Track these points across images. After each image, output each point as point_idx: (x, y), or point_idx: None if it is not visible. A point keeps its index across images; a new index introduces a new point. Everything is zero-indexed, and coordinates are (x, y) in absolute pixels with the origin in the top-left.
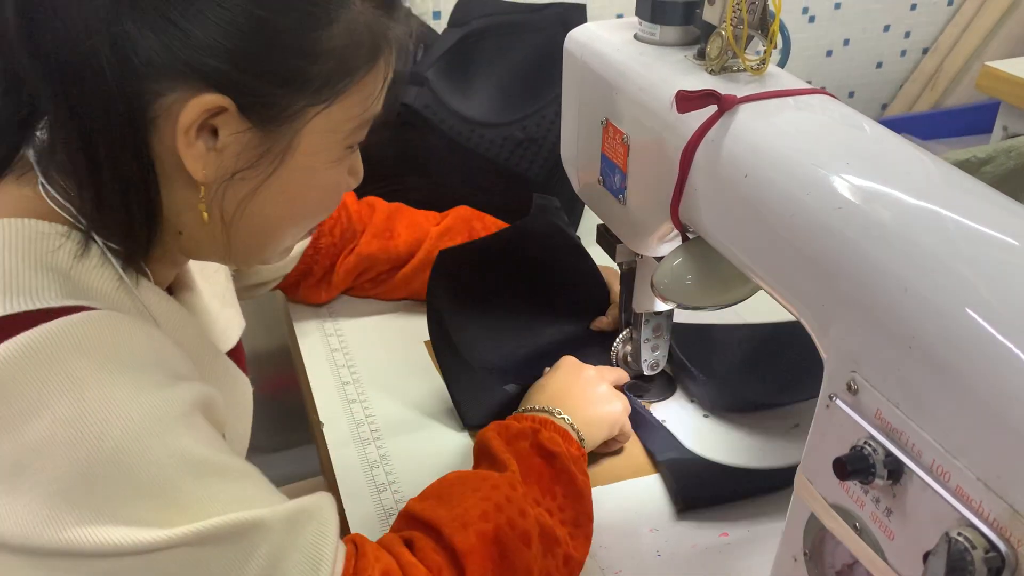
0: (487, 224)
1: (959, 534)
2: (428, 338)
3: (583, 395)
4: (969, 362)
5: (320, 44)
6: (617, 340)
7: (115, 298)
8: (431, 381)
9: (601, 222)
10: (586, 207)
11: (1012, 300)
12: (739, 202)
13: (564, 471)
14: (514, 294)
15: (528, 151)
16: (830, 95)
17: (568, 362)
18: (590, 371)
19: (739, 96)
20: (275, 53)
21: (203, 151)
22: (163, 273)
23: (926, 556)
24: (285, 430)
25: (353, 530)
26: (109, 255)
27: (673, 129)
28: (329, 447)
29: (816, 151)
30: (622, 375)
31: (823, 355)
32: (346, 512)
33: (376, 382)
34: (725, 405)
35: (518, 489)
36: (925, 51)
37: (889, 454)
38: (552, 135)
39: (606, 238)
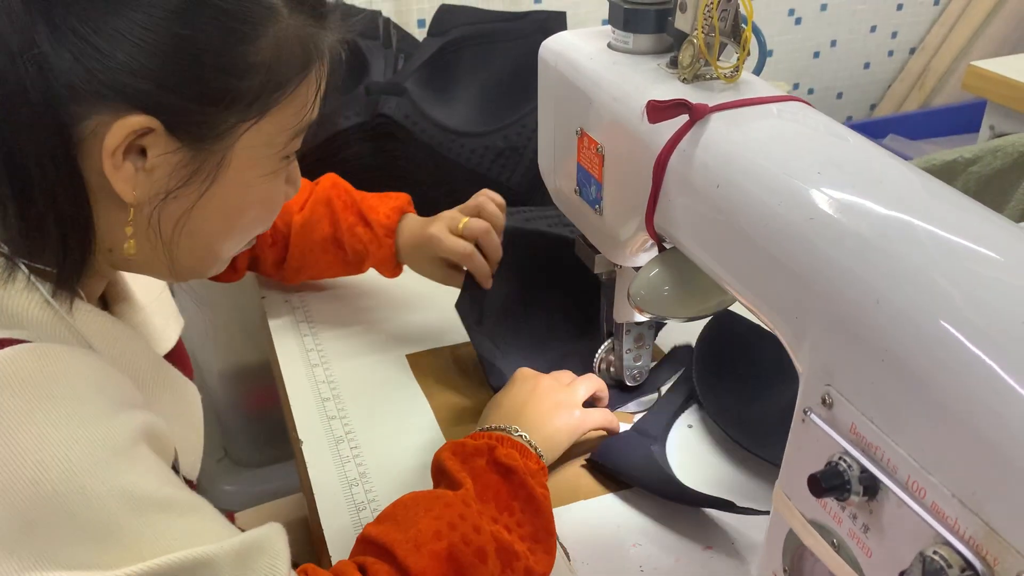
0: (346, 202)
1: (935, 552)
2: (409, 351)
3: (539, 408)
4: (943, 375)
5: (247, 59)
6: (599, 351)
7: (45, 324)
8: (412, 396)
9: (580, 232)
10: None
11: (986, 311)
12: (712, 212)
13: (522, 486)
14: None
15: (509, 160)
16: (804, 102)
17: (522, 375)
18: (545, 381)
19: (711, 105)
20: (200, 71)
21: (132, 172)
22: (93, 287)
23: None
24: (271, 444)
25: (330, 548)
26: (35, 279)
27: (646, 139)
28: (308, 465)
29: (788, 160)
30: (592, 385)
31: (798, 367)
32: (323, 530)
33: (356, 398)
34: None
35: (472, 506)
36: (912, 51)
37: (864, 470)
38: (533, 144)
39: (584, 248)
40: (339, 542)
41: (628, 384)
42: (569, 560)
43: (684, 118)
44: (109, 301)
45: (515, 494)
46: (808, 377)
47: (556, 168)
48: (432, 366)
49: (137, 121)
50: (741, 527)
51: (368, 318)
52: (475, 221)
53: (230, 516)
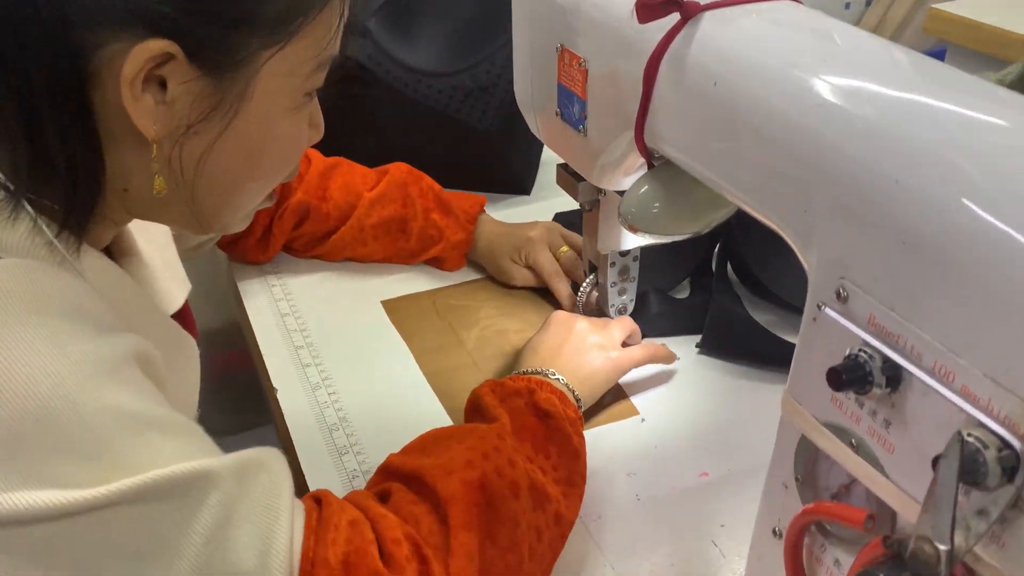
0: (423, 188)
1: (969, 435)
2: (384, 298)
3: (576, 352)
4: (969, 253)
5: None
6: (583, 286)
7: (32, 251)
8: (389, 340)
9: (561, 162)
10: (543, 155)
11: (1010, 187)
12: (709, 113)
13: (559, 431)
14: None
15: (479, 101)
16: (796, 1)
17: (557, 319)
18: (580, 324)
19: (703, 3)
20: None
21: (152, 105)
22: (101, 234)
23: (935, 461)
24: (238, 412)
25: None
26: (41, 221)
27: (634, 45)
28: (285, 414)
29: (788, 53)
30: (626, 326)
31: (806, 267)
32: (306, 479)
33: (331, 345)
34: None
35: (507, 440)
36: (868, 3)
37: (887, 360)
38: (504, 82)
39: (567, 178)
40: (322, 487)
41: (613, 318)
42: None
43: (674, 19)
44: (115, 254)
45: (551, 438)
46: (818, 274)
47: (534, 93)
48: (410, 311)
49: (156, 46)
50: (736, 451)
51: (339, 267)
52: (573, 255)
53: None
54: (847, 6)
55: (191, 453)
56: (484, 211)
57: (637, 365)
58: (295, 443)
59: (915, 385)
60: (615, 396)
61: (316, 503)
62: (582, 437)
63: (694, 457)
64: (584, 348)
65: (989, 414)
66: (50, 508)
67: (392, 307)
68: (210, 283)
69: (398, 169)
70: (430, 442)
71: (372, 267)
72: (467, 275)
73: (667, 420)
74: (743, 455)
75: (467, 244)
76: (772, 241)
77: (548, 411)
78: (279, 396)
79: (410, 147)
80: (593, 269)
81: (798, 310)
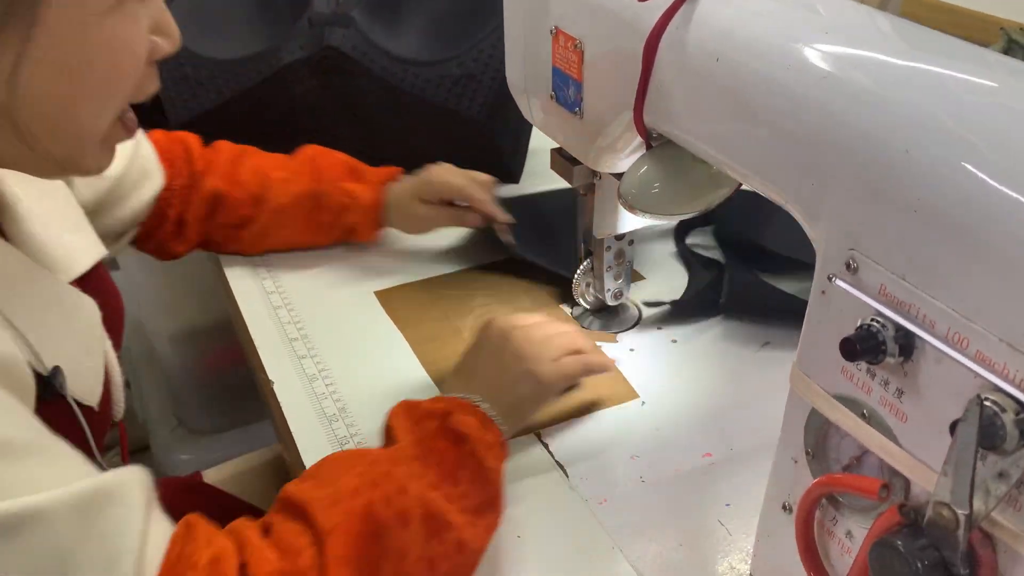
0: (333, 161)
1: (986, 398)
2: (377, 288)
3: (506, 374)
4: (981, 220)
5: None
6: (577, 273)
7: None
8: (384, 330)
9: (555, 146)
10: (532, 140)
11: (1015, 152)
12: (712, 89)
13: (472, 455)
14: None
15: (467, 89)
16: None
17: (488, 334)
18: (515, 341)
19: None
20: None
21: None
22: None
23: (953, 426)
24: (227, 411)
25: None
26: None
27: (631, 25)
28: (283, 406)
29: (790, 27)
30: (577, 341)
31: (814, 241)
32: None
33: (326, 337)
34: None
35: (401, 466)
36: None
37: (900, 328)
38: (491, 70)
39: (562, 162)
40: None
41: (609, 304)
42: (568, 477)
43: None
44: None
45: (463, 463)
46: (827, 246)
47: (527, 77)
48: (404, 300)
49: None
50: (736, 432)
51: (328, 258)
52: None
53: (196, 476)
54: None
55: (34, 480)
56: (400, 180)
57: (570, 382)
58: (294, 436)
59: (928, 353)
60: (614, 380)
61: (186, 529)
62: (500, 463)
63: (696, 439)
64: (516, 373)
65: (1005, 378)
66: None
67: (386, 297)
68: (195, 279)
69: (306, 148)
70: (325, 468)
71: (363, 258)
72: (459, 264)
73: (667, 403)
74: (744, 435)
75: (379, 206)
76: (760, 208)
77: (463, 434)
78: (276, 389)
79: (397, 137)
80: (588, 254)
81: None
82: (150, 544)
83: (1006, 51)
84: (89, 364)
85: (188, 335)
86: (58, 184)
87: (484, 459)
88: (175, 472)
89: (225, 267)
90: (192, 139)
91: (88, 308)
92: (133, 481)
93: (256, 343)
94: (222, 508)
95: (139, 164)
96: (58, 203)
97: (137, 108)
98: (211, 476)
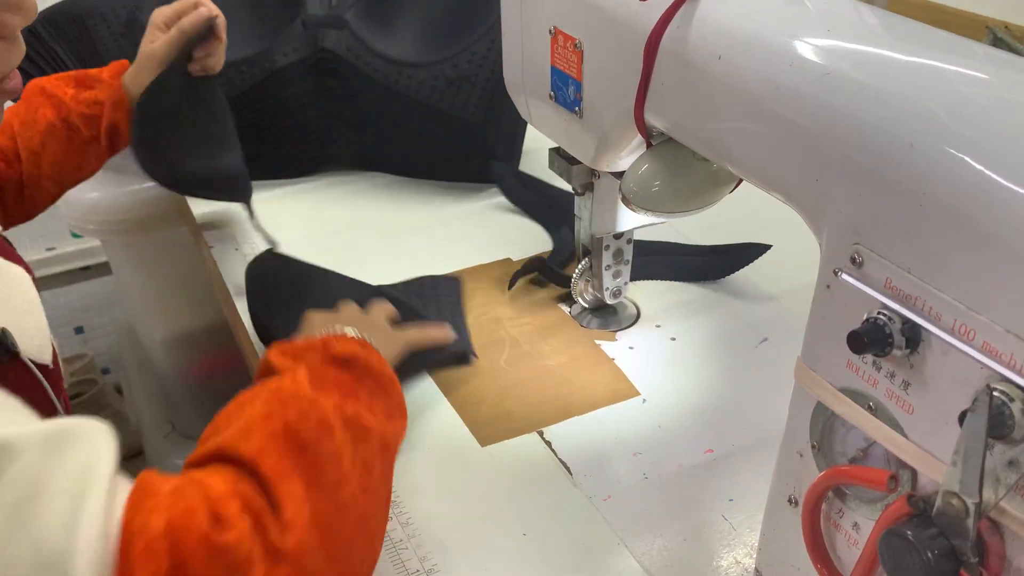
0: (57, 82)
1: (995, 388)
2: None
3: (362, 318)
4: (985, 212)
5: None
6: (575, 273)
7: None
8: None
9: (553, 146)
10: (526, 140)
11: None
12: (714, 87)
13: (367, 371)
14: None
15: (461, 90)
16: None
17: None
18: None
19: None
20: None
21: None
22: None
23: (962, 417)
24: None
25: None
26: None
27: (632, 24)
28: None
29: (792, 24)
30: (387, 309)
31: (818, 236)
32: None
33: None
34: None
35: (305, 386)
36: None
37: (906, 321)
38: (485, 71)
39: (560, 161)
40: None
41: (608, 302)
42: (571, 475)
43: None
44: None
45: (360, 381)
46: (832, 241)
47: (526, 77)
48: None
49: None
50: (737, 427)
51: (327, 259)
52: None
53: None
54: None
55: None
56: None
57: (418, 346)
58: None
59: (935, 345)
60: (615, 378)
61: (141, 476)
62: (392, 373)
63: (697, 434)
64: (371, 318)
65: (1012, 368)
66: None
67: None
68: (189, 286)
69: (29, 86)
70: (222, 420)
71: (361, 258)
72: (457, 264)
73: (668, 399)
74: (744, 431)
75: (124, 96)
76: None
77: (349, 357)
78: None
79: (392, 137)
80: (586, 253)
81: None
82: (118, 482)
83: None
84: (33, 323)
85: (181, 340)
86: None
87: (378, 371)
88: None
89: (223, 271)
90: None
91: (16, 273)
92: (100, 429)
93: (256, 346)
94: None
95: None
96: None
97: None
98: None
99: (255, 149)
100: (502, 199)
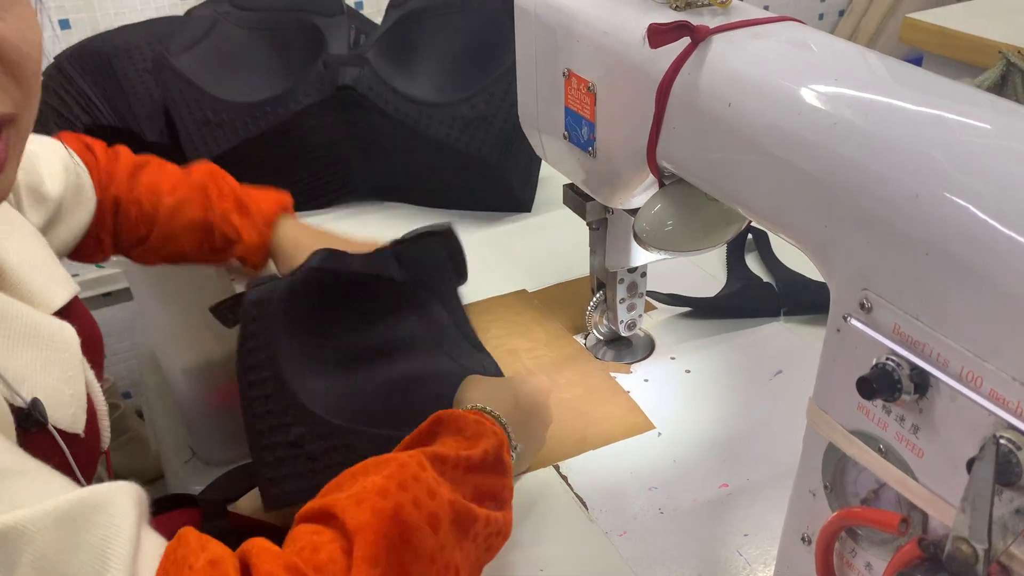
0: (223, 190)
1: (1001, 437)
2: None
3: (535, 434)
4: (991, 262)
5: None
6: (589, 305)
7: None
8: None
9: (567, 182)
10: (540, 177)
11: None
12: (724, 133)
13: (500, 473)
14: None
15: (479, 130)
16: (800, 21)
17: (531, 391)
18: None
19: (712, 27)
20: None
21: None
22: None
23: (970, 464)
24: (241, 441)
25: None
26: None
27: (644, 69)
28: None
29: (800, 72)
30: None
31: (828, 280)
32: None
33: None
34: None
35: (429, 471)
36: (841, 13)
37: (914, 367)
38: (502, 112)
39: (574, 198)
40: None
41: (622, 335)
42: (587, 510)
43: (684, 43)
44: None
45: (489, 483)
46: (841, 286)
47: (540, 118)
48: None
49: None
50: (752, 461)
51: None
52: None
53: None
54: (820, 16)
55: (15, 500)
56: (287, 211)
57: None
58: None
59: (943, 391)
60: (630, 411)
61: (177, 539)
62: (510, 462)
63: (712, 468)
64: (541, 418)
65: (1019, 416)
66: None
67: None
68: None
69: (199, 171)
70: (347, 477)
71: None
72: (472, 295)
73: (683, 433)
74: (759, 465)
75: (264, 247)
76: None
77: (496, 463)
78: None
79: (411, 172)
80: (600, 286)
81: None
82: (143, 553)
83: (1004, 75)
84: (70, 392)
85: (202, 368)
86: (15, 215)
87: (508, 471)
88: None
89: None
90: (98, 146)
91: (67, 336)
92: (121, 493)
93: None
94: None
95: (73, 182)
96: (26, 237)
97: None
98: (243, 506)
99: (276, 182)
100: (518, 224)
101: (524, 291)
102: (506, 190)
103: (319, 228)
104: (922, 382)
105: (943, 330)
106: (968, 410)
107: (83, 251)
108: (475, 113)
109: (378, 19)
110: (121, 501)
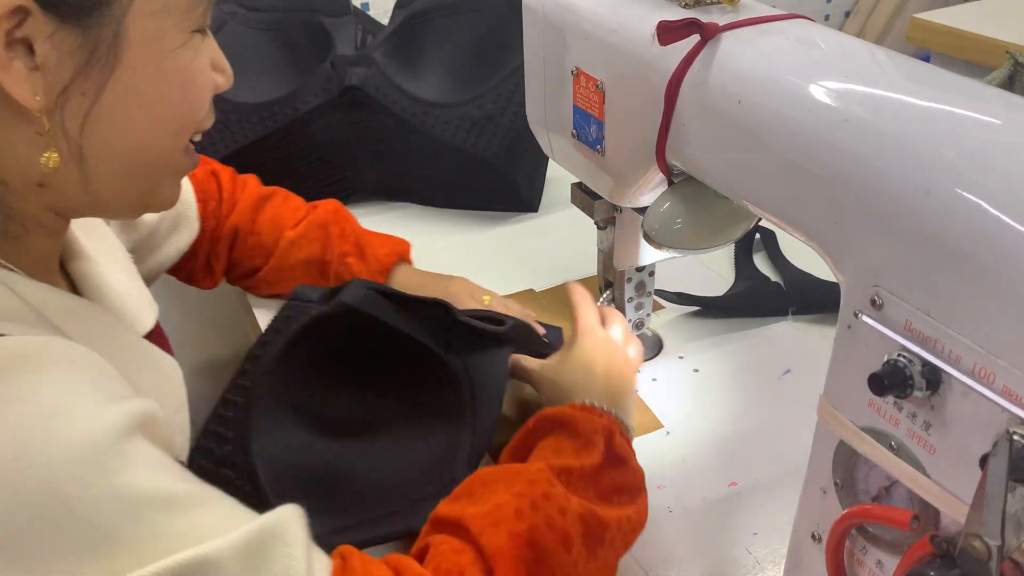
0: (345, 230)
1: (1015, 433)
2: None
3: (625, 382)
4: (1003, 258)
5: None
6: (599, 302)
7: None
8: None
9: (576, 181)
10: (547, 177)
11: None
12: (734, 131)
13: (632, 473)
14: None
15: (486, 130)
16: (809, 19)
17: (596, 343)
18: (617, 348)
19: (721, 24)
20: None
21: (24, 73)
22: (43, 248)
23: (983, 460)
24: None
25: None
26: None
27: (653, 66)
28: None
29: (810, 69)
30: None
31: (839, 277)
32: None
33: None
34: None
35: (557, 486)
36: (847, 14)
37: (926, 363)
38: (509, 112)
39: (583, 196)
40: None
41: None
42: None
43: (694, 40)
44: (72, 274)
45: (620, 478)
46: (852, 283)
47: (548, 115)
48: None
49: (7, 3)
50: (761, 460)
51: None
52: (499, 299)
53: None
54: (826, 17)
55: (203, 528)
56: (405, 260)
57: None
58: None
59: (955, 387)
60: (639, 409)
61: (341, 560)
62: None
63: (721, 467)
64: (630, 377)
65: None
66: None
67: None
68: (217, 315)
69: (324, 208)
70: (478, 486)
71: None
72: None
73: (691, 432)
74: (768, 464)
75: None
76: None
77: (622, 458)
78: None
79: (418, 172)
80: (608, 285)
81: None
82: (316, 563)
83: (1012, 74)
84: (179, 421)
85: (208, 367)
86: (110, 236)
87: (632, 463)
88: None
89: (252, 301)
90: (225, 174)
91: (170, 365)
92: (292, 520)
93: None
94: None
95: (176, 210)
96: (119, 259)
97: None
98: None
99: (283, 182)
100: (525, 224)
101: (531, 291)
102: (513, 190)
103: (438, 276)
104: (934, 378)
105: (955, 326)
106: (980, 406)
107: (193, 276)
108: (482, 113)
109: (384, 20)
110: (293, 528)
